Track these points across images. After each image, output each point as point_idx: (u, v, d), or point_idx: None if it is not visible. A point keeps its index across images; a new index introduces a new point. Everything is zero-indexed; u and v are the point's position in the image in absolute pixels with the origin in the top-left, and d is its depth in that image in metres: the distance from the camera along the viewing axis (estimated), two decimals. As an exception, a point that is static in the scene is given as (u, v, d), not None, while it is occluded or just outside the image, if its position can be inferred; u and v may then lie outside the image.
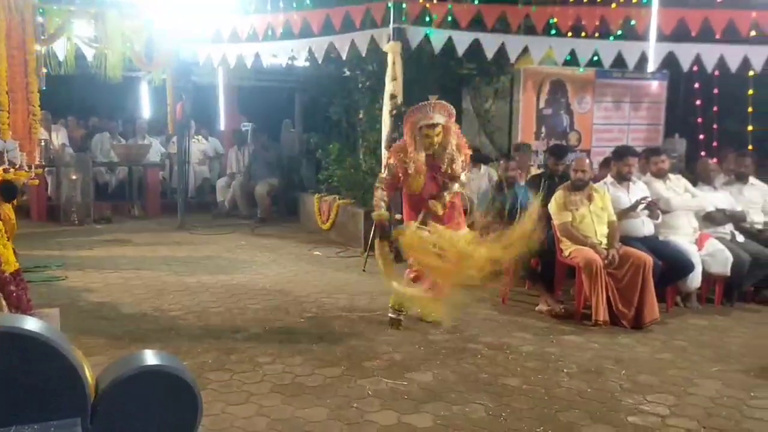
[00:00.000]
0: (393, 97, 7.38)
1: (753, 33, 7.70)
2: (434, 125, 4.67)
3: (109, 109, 12.60)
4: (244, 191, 10.68)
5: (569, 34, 8.00)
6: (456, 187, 4.84)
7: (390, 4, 7.42)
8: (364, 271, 6.87)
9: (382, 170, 5.08)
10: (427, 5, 7.64)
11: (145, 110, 12.90)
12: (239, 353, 4.36)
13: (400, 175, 4.82)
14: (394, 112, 7.09)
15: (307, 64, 9.06)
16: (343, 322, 5.09)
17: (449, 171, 4.80)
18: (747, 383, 3.98)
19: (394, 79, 7.38)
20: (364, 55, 7.86)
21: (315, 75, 9.68)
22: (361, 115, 8.87)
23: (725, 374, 4.13)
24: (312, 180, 10.35)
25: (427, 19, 7.68)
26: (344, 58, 8.03)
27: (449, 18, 7.66)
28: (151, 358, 2.82)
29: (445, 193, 4.79)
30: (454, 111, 4.84)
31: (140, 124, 11.42)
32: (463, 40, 7.45)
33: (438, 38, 7.45)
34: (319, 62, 8.42)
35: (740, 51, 7.74)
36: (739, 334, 5.02)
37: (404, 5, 7.48)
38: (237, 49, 8.89)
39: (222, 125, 12.56)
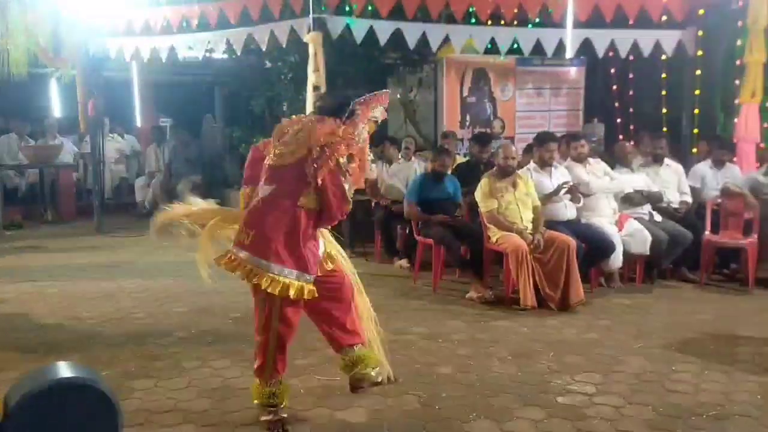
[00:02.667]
0: (316, 88, 7.27)
1: (664, 18, 7.99)
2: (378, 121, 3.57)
3: (15, 109, 11.86)
4: (165, 190, 10.31)
5: (489, 22, 8.09)
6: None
7: (309, -6, 7.29)
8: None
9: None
10: (347, -7, 7.56)
11: (55, 109, 12.26)
12: (164, 359, 4.17)
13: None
14: (318, 103, 6.95)
15: (226, 56, 8.80)
16: (273, 320, 4.96)
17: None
18: (669, 358, 4.11)
19: (316, 70, 7.27)
20: (284, 46, 7.71)
21: (235, 67, 9.45)
22: (285, 108, 8.71)
23: (648, 350, 4.26)
24: (237, 176, 10.06)
25: (347, 8, 7.60)
26: (264, 49, 7.86)
27: (369, 7, 7.61)
28: (64, 370, 2.65)
29: None
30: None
31: (50, 124, 10.81)
32: (384, 30, 7.41)
33: (359, 28, 7.37)
34: (238, 54, 8.21)
35: (652, 36, 8.02)
36: (660, 310, 5.20)
37: (323, -5, 7.38)
38: (150, 42, 8.55)
39: (138, 122, 12.08)
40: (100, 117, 9.76)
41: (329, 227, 3.38)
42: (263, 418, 3.23)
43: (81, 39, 8.80)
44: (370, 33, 7.42)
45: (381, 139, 7.82)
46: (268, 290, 3.04)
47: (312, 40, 7.26)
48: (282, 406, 3.25)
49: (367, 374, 3.31)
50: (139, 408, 3.45)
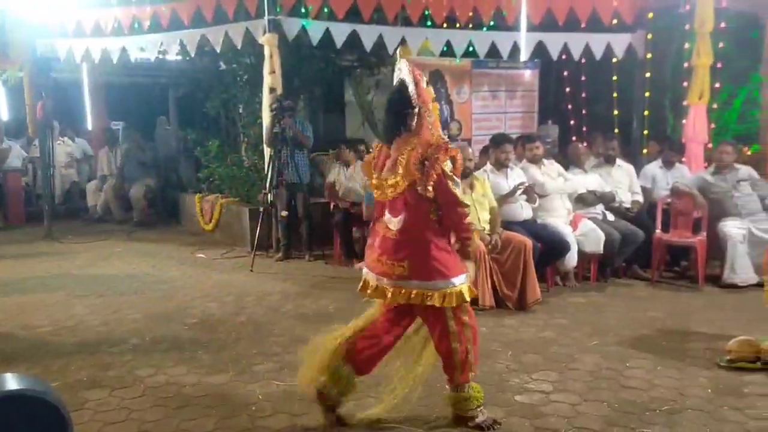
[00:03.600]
0: (272, 90, 7.21)
1: (614, 21, 8.17)
2: None
3: (-41, 112, 11.48)
4: (117, 194, 10.09)
5: (444, 25, 8.14)
6: None
7: (264, -5, 7.22)
8: (251, 271, 6.66)
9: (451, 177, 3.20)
10: (303, -5, 7.51)
11: (2, 111, 11.83)
12: (117, 368, 4.08)
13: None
14: (274, 105, 6.91)
15: (180, 58, 8.65)
16: (231, 326, 4.89)
17: None
18: (623, 354, 4.19)
19: (272, 71, 7.20)
20: (239, 47, 7.62)
21: (189, 69, 9.28)
22: (241, 110, 8.62)
23: (603, 348, 4.33)
24: (192, 179, 9.92)
25: (303, 10, 7.55)
26: (218, 50, 7.75)
27: (326, 9, 7.57)
28: (11, 382, 2.55)
29: None
30: None
31: (-4, 127, 10.48)
32: (340, 32, 7.39)
33: (315, 30, 7.34)
34: (192, 56, 8.08)
35: (603, 39, 8.19)
36: (614, 308, 5.30)
37: (278, -4, 7.31)
38: (101, 43, 8.35)
39: (89, 125, 11.77)
40: (49, 120, 9.48)
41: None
42: (479, 419, 3.23)
43: (28, 39, 8.54)
44: (327, 35, 7.39)
45: (338, 141, 7.80)
46: (445, 305, 3.10)
47: (267, 41, 7.19)
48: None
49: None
50: (91, 419, 3.37)
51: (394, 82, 3.25)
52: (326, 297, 5.68)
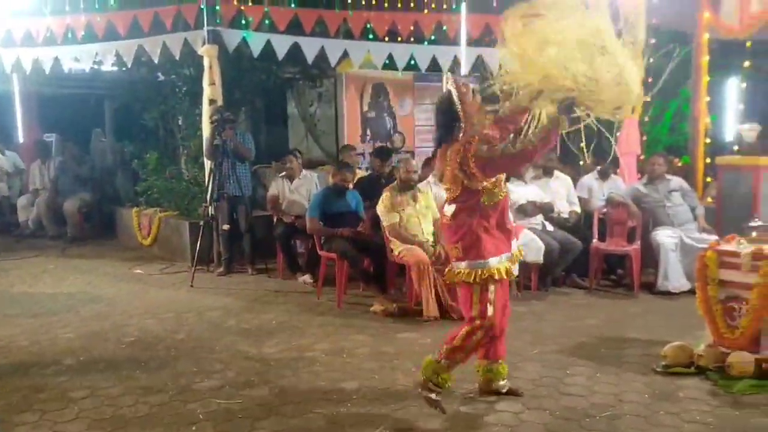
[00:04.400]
0: (212, 101, 7.11)
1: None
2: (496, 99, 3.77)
3: None
4: (50, 209, 9.70)
5: (386, 39, 8.21)
6: None
7: (203, 6, 7.14)
8: (192, 286, 6.51)
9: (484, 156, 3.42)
10: (243, 8, 7.47)
11: (-73, 124, 11.30)
12: (50, 390, 3.90)
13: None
14: (214, 117, 6.81)
15: (116, 68, 8.44)
16: (170, 344, 4.76)
17: None
18: (563, 362, 4.27)
19: (212, 83, 7.11)
20: (178, 58, 7.49)
21: (126, 80, 9.07)
22: (180, 122, 8.46)
23: (544, 356, 4.41)
24: (129, 192, 9.64)
25: (244, 21, 7.49)
26: (156, 61, 7.60)
27: (267, 21, 7.54)
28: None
29: None
30: None
31: None
32: (282, 44, 7.37)
33: (256, 41, 7.29)
34: (129, 66, 7.90)
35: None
36: (554, 316, 5.41)
37: (218, 7, 7.24)
38: (33, 52, 8.06)
39: (21, 137, 11.33)
40: (-24, 132, 9.09)
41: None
42: (431, 395, 3.47)
43: (-47, 48, 8.18)
44: (268, 47, 7.35)
45: (283, 153, 7.74)
46: (491, 277, 3.41)
47: (207, 52, 7.09)
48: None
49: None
50: (21, 445, 3.21)
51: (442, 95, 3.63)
52: (269, 311, 5.60)
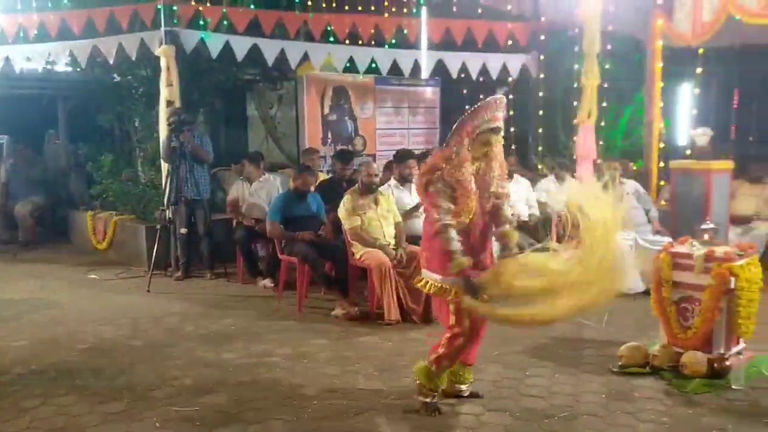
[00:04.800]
0: (170, 103, 6.99)
1: (509, 42, 8.51)
2: (500, 131, 3.44)
3: None
4: (1, 212, 9.41)
5: (347, 41, 8.20)
6: (507, 209, 3.65)
7: (160, 6, 7.02)
8: (148, 291, 6.38)
9: (437, 198, 3.40)
10: (201, 8, 7.37)
11: None
12: (1, 399, 3.78)
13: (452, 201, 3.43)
14: (171, 119, 6.70)
15: (70, 69, 8.23)
16: (126, 351, 4.66)
17: (498, 189, 3.53)
18: (524, 364, 4.31)
19: (169, 84, 7.00)
20: (134, 59, 7.35)
21: (81, 80, 8.85)
22: (136, 124, 8.30)
23: (505, 357, 4.44)
24: (83, 195, 9.41)
25: (202, 22, 7.40)
26: (111, 62, 7.44)
27: (225, 22, 7.46)
28: None
29: (506, 221, 3.63)
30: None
31: None
32: (241, 45, 7.31)
33: (214, 42, 7.21)
34: (83, 66, 7.71)
35: (500, 59, 8.51)
36: (515, 318, 5.45)
37: (175, 8, 7.13)
38: (-19, 52, 7.80)
39: (-31, 139, 10.95)
40: None
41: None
42: (426, 400, 3.55)
43: None
44: (227, 48, 7.27)
45: (240, 156, 7.67)
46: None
47: (164, 53, 6.98)
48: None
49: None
50: (-32, 458, 3.09)
51: None
52: (228, 316, 5.53)
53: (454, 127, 3.47)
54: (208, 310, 5.77)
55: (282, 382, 4.03)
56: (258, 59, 7.71)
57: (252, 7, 7.90)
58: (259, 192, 6.97)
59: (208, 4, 7.53)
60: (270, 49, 7.50)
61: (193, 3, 7.42)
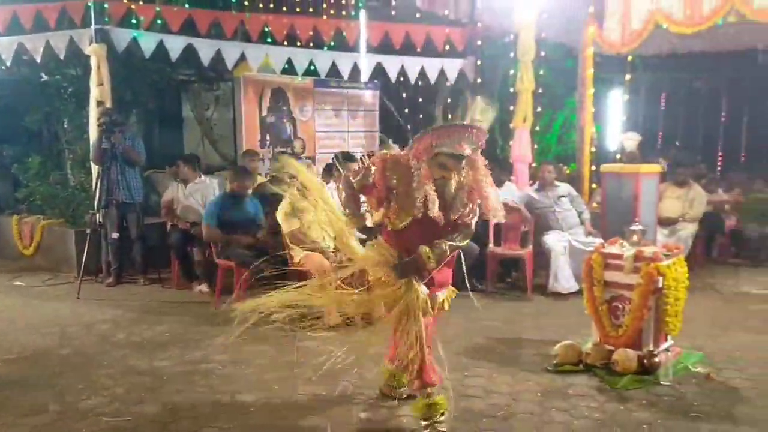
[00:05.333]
0: (100, 103, 6.78)
1: (447, 47, 8.61)
2: (462, 159, 3.22)
3: None
4: None
5: (285, 43, 8.14)
6: (460, 238, 3.43)
7: (90, 4, 6.80)
8: (78, 298, 6.15)
9: (352, 175, 3.60)
10: (133, 6, 7.17)
11: None
12: None
13: (381, 200, 3.44)
14: (102, 120, 6.49)
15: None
16: (55, 360, 4.47)
17: (456, 219, 3.36)
18: (463, 364, 4.35)
19: (100, 84, 6.79)
20: (62, 57, 7.09)
21: (6, 79, 8.44)
22: (65, 124, 8.00)
23: (445, 358, 4.47)
24: (9, 199, 8.99)
25: (134, 21, 7.19)
26: (39, 60, 7.14)
27: (159, 21, 7.28)
28: None
29: (445, 244, 3.33)
30: (484, 143, 3.36)
31: None
32: (175, 45, 7.16)
33: (147, 42, 7.02)
34: (7, 65, 7.38)
35: (437, 63, 8.61)
36: (454, 319, 5.46)
37: (106, 5, 6.91)
38: None
39: None
40: None
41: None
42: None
43: None
44: (161, 47, 7.10)
45: (175, 158, 7.49)
46: None
47: (94, 52, 6.76)
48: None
49: None
50: None
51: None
52: (162, 323, 5.38)
53: (415, 137, 3.34)
54: (141, 316, 5.60)
55: (219, 389, 3.95)
56: (193, 59, 7.56)
57: (186, 6, 7.74)
58: (194, 194, 6.82)
59: (141, 3, 7.32)
60: (205, 49, 7.37)
61: (124, 1, 7.21)
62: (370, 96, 9.28)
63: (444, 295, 3.58)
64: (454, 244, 3.35)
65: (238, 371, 4.26)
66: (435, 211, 3.20)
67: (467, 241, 3.46)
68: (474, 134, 3.21)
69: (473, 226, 3.47)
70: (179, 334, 5.07)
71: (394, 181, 3.31)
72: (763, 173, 8.62)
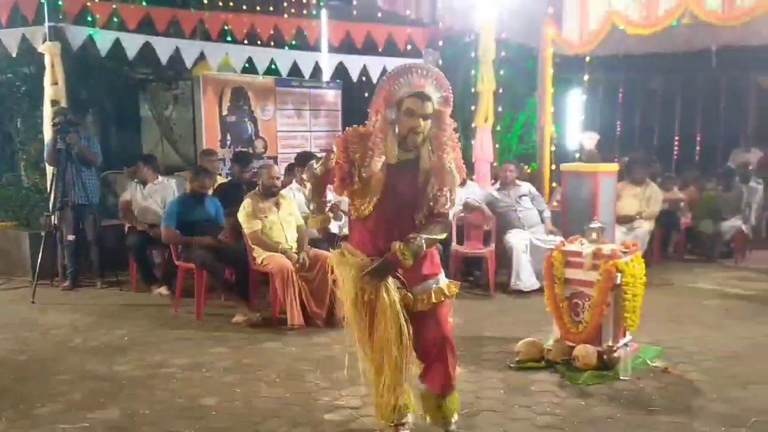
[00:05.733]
0: (55, 102, 6.62)
1: (408, 47, 8.64)
2: (426, 98, 2.86)
3: None
4: None
5: (245, 42, 8.06)
6: (438, 230, 2.96)
7: (43, 1, 6.63)
8: (33, 303, 5.99)
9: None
10: (88, 3, 7.03)
11: None
12: None
13: (344, 178, 2.93)
14: (57, 119, 6.33)
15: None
16: (10, 367, 4.34)
17: (433, 201, 2.94)
18: (426, 363, 4.36)
19: (54, 83, 6.64)
20: (15, 55, 6.90)
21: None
22: (18, 124, 7.80)
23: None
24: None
25: (90, 18, 7.04)
26: (-11, 58, 6.96)
27: (115, 19, 7.14)
28: None
29: (421, 238, 2.88)
30: (451, 94, 3.01)
31: None
32: (132, 43, 7.04)
33: (103, 40, 6.89)
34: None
35: (399, 63, 8.58)
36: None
37: (60, 2, 6.76)
38: None
39: None
40: None
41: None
42: None
43: None
44: (117, 46, 6.96)
45: (133, 158, 7.35)
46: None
47: (48, 50, 6.60)
48: None
49: None
50: None
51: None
52: (121, 327, 5.27)
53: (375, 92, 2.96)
54: (99, 320, 5.48)
55: (179, 393, 3.88)
56: (151, 58, 7.44)
57: (144, 3, 7.61)
58: (153, 195, 6.71)
59: (97, 0, 7.16)
60: (164, 48, 7.26)
61: (80, -3, 7.06)
62: (332, 95, 9.25)
63: (437, 284, 3.10)
64: (431, 237, 2.91)
65: (199, 375, 4.20)
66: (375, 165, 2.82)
67: (446, 234, 3.06)
68: (436, 78, 2.91)
69: (450, 217, 3.13)
70: (138, 338, 4.97)
71: (358, 155, 2.88)
72: (716, 172, 8.86)
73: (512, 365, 4.25)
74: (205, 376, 4.17)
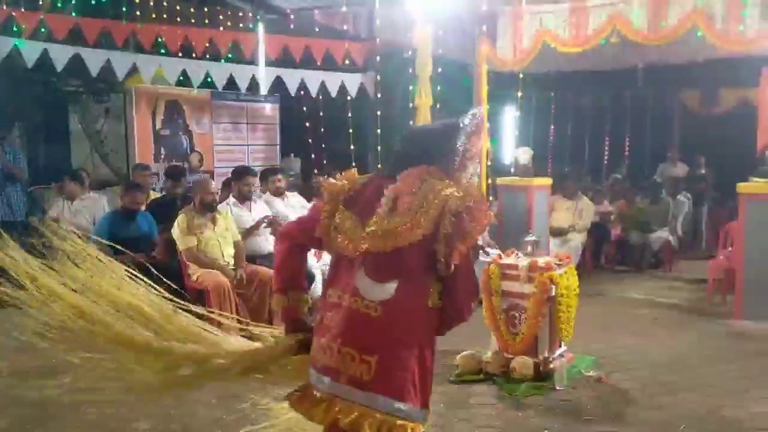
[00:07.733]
0: (-23, 116, 6.32)
1: (347, 62, 8.67)
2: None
3: None
4: None
5: (180, 54, 7.92)
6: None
7: (-35, 9, 6.35)
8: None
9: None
10: (14, 13, 6.75)
11: None
12: None
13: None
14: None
15: None
16: None
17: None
18: (366, 379, 4.35)
19: (-23, 95, 6.33)
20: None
21: None
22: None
23: (348, 374, 4.46)
24: None
25: (15, 28, 6.78)
26: None
27: (43, 29, 6.91)
28: None
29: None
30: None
31: None
32: (61, 54, 6.84)
33: (30, 51, 6.66)
34: None
35: (338, 78, 8.64)
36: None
37: (-17, 12, 6.49)
38: None
39: None
40: None
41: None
42: None
43: None
44: (45, 57, 6.72)
45: (62, 173, 7.09)
46: None
47: (-30, 61, 6.31)
48: None
49: None
50: None
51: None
52: (49, 350, 5.03)
53: (449, 146, 2.27)
54: (25, 343, 5.21)
55: (112, 417, 3.74)
56: (81, 70, 7.23)
57: (73, 14, 7.39)
58: (82, 211, 6.48)
59: (23, 10, 6.91)
60: (94, 60, 7.07)
61: (4, 7, 6.79)
62: (269, 109, 9.18)
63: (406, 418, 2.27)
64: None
65: (133, 397, 4.04)
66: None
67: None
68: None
69: None
70: (69, 361, 4.76)
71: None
72: (643, 185, 9.21)
73: (452, 379, 4.29)
74: (139, 399, 4.02)
